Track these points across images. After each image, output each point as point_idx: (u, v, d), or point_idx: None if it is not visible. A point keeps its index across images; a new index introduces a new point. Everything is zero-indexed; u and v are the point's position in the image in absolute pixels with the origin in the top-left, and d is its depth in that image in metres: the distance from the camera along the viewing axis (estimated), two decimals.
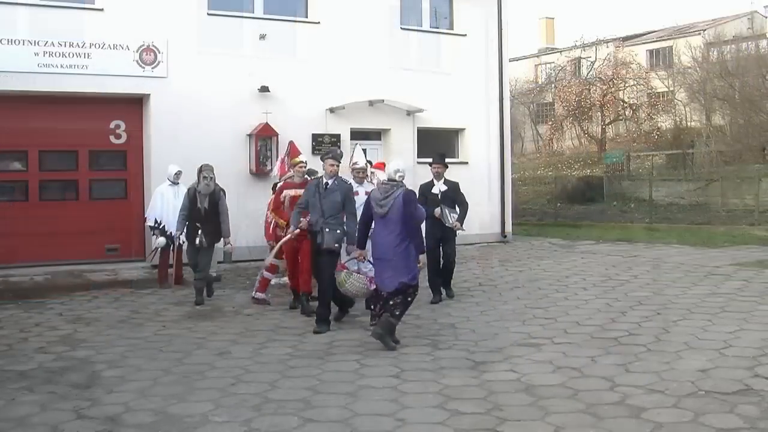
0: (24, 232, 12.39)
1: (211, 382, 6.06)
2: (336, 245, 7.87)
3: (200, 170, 9.68)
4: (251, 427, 4.98)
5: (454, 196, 9.41)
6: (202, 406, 5.41)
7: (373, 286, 7.29)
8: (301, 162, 9.19)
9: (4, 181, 12.68)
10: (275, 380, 6.05)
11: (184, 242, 9.87)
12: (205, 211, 9.57)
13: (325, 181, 7.96)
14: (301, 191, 8.88)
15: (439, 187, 9.40)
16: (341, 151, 8.88)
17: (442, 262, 9.47)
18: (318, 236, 7.82)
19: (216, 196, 9.70)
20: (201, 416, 5.20)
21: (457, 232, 9.42)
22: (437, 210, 9.13)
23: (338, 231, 7.84)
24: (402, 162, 7.81)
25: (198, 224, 9.54)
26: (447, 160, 9.89)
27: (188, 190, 9.76)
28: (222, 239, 9.82)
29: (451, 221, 9.15)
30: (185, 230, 9.60)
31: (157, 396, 5.68)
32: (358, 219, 7.71)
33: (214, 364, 6.59)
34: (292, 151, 9.61)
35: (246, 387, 5.88)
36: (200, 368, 6.46)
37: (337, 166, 8.05)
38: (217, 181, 9.91)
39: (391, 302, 7.10)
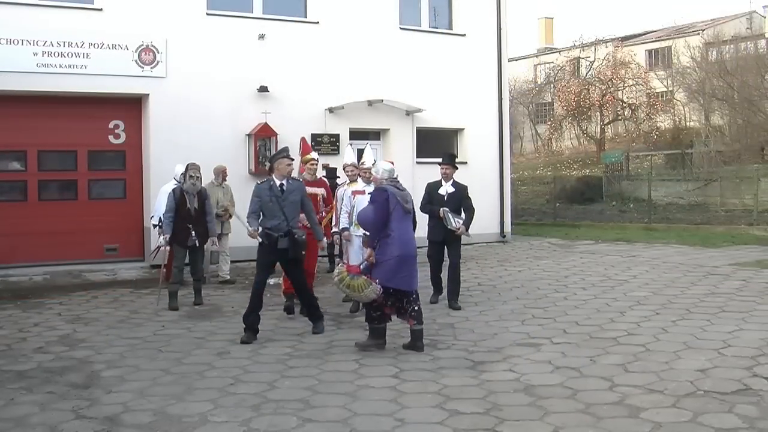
0: (23, 232, 12.40)
1: (210, 382, 6.06)
2: (303, 251, 7.79)
3: (186, 169, 9.52)
4: (250, 427, 4.98)
5: (461, 200, 9.09)
6: (201, 406, 5.41)
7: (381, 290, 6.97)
8: (313, 159, 9.09)
9: (3, 181, 12.66)
10: (274, 380, 6.05)
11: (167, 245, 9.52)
12: (195, 211, 9.42)
13: (279, 182, 7.60)
14: (314, 189, 8.90)
15: (446, 189, 9.12)
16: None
17: (448, 268, 9.14)
18: (281, 242, 7.50)
19: (203, 195, 9.59)
20: (200, 416, 5.20)
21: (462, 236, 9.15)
22: (442, 210, 8.90)
23: (304, 236, 7.72)
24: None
25: (189, 225, 9.36)
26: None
27: (173, 191, 9.48)
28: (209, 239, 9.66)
29: (454, 224, 8.86)
30: (172, 232, 9.31)
31: (156, 396, 5.68)
32: (373, 219, 7.12)
33: (213, 364, 6.59)
34: (304, 148, 9.47)
35: (245, 387, 5.88)
36: (199, 368, 6.46)
37: (291, 165, 7.85)
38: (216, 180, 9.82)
39: (416, 307, 7.00)
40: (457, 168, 9.34)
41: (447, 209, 8.94)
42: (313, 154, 9.21)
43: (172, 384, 6.01)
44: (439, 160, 9.52)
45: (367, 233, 7.34)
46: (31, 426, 5.06)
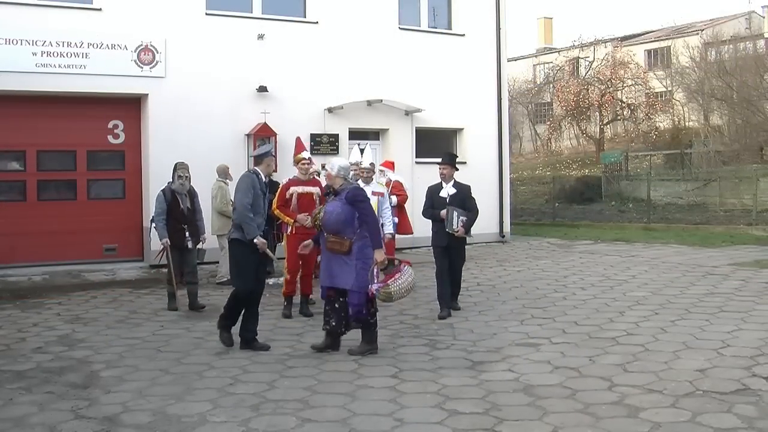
0: (22, 232, 12.40)
1: (210, 382, 6.05)
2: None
3: (175, 168, 9.29)
4: (249, 427, 4.97)
5: (463, 201, 8.60)
6: (201, 406, 5.40)
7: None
8: (304, 158, 8.97)
9: (3, 181, 12.66)
10: (273, 380, 6.04)
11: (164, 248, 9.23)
12: (188, 210, 9.25)
13: (265, 180, 7.40)
14: (308, 188, 8.75)
15: (447, 191, 8.64)
16: None
17: (449, 268, 8.68)
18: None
19: (193, 194, 9.41)
20: (199, 416, 5.20)
21: (467, 239, 8.71)
22: (443, 212, 8.47)
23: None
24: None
25: (184, 226, 9.18)
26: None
27: (164, 192, 9.22)
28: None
29: (455, 226, 8.40)
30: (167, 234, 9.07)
31: (155, 396, 5.67)
32: (375, 218, 6.96)
33: (213, 364, 6.59)
34: (297, 147, 9.37)
35: (244, 387, 5.88)
36: (198, 368, 6.46)
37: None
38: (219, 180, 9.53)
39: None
40: (457, 168, 8.90)
41: (453, 207, 8.46)
42: (305, 154, 9.05)
43: (171, 384, 6.00)
44: (440, 160, 9.16)
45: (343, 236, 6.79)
46: (30, 426, 5.06)
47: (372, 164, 9.22)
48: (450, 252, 8.68)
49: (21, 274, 11.77)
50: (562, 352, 6.74)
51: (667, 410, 5.11)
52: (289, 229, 8.61)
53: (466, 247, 9.06)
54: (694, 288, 9.91)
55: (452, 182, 8.73)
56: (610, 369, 6.15)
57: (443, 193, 8.69)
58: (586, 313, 8.46)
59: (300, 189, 8.73)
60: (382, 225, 9.09)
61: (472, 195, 8.81)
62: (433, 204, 8.70)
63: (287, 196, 8.71)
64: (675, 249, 14.55)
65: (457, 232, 8.44)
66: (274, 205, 8.77)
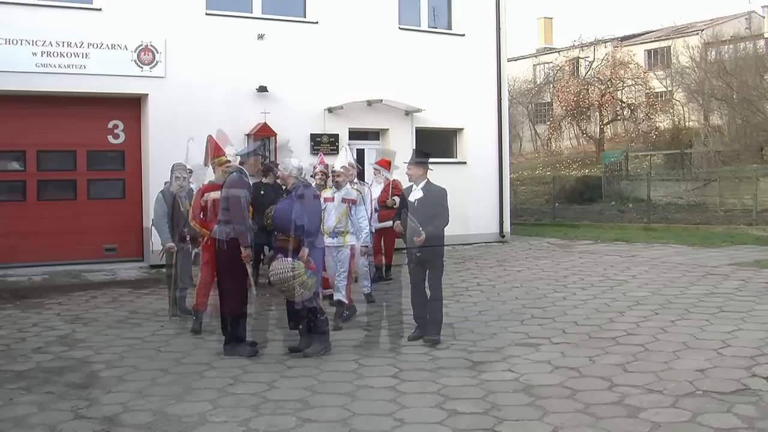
0: (22, 232, 12.39)
1: (210, 382, 6.06)
2: None
3: (172, 169, 8.91)
4: (249, 427, 4.98)
5: (433, 207, 7.21)
6: (201, 406, 5.41)
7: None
8: (230, 161, 7.84)
9: (2, 181, 12.66)
10: (273, 380, 6.05)
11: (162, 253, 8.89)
12: (188, 213, 8.72)
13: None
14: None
15: (415, 194, 7.31)
16: None
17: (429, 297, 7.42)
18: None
19: (191, 197, 8.98)
20: (199, 416, 5.20)
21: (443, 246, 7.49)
22: (397, 223, 7.36)
23: None
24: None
25: (184, 229, 8.76)
26: (444, 160, 8.49)
27: (163, 195, 8.79)
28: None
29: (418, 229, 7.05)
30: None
31: (155, 396, 5.68)
32: (318, 219, 7.01)
33: (213, 364, 6.59)
34: (217, 147, 7.97)
35: (244, 387, 5.88)
36: (198, 368, 6.46)
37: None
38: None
39: None
40: (426, 167, 7.42)
41: (409, 218, 7.18)
42: (230, 152, 8.09)
43: (172, 384, 6.01)
44: (440, 160, 8.45)
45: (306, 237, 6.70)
46: (30, 426, 5.06)
47: (343, 167, 8.33)
48: (422, 260, 7.32)
49: (21, 274, 11.77)
50: (562, 352, 6.75)
51: (667, 410, 5.11)
52: (205, 239, 7.74)
53: (467, 246, 8.94)
54: (694, 288, 9.91)
55: (423, 184, 7.34)
56: (610, 369, 6.15)
57: (412, 197, 7.38)
58: (586, 313, 8.46)
59: (216, 194, 7.45)
60: (357, 235, 8.31)
61: (445, 203, 7.35)
62: (406, 206, 7.44)
63: (202, 202, 7.86)
64: (675, 249, 14.55)
65: (420, 237, 7.04)
66: (190, 216, 8.02)
